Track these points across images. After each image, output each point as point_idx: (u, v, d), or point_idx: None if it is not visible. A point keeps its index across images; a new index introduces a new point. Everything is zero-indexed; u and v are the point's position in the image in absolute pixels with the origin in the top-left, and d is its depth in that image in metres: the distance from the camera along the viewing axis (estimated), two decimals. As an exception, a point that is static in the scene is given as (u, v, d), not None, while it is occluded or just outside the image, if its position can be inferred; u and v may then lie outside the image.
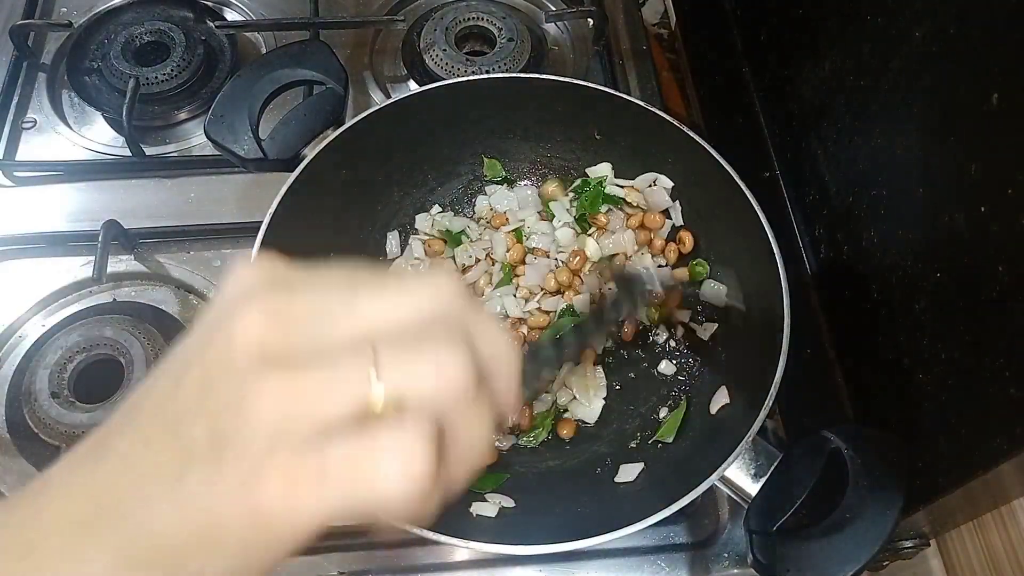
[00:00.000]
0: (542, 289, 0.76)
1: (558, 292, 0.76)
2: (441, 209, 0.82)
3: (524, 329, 0.75)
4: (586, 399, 0.73)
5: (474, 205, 0.82)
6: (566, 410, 0.73)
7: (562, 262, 0.78)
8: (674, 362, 0.75)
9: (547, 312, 0.75)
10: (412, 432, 0.28)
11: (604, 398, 0.73)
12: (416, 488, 0.27)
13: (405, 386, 0.28)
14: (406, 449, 0.27)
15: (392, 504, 0.28)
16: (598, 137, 0.80)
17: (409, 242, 0.80)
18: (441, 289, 0.31)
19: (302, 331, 0.29)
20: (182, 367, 0.30)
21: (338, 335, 0.29)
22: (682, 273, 0.77)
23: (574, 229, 0.79)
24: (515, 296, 0.76)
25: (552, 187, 0.81)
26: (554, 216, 0.79)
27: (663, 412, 0.72)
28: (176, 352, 0.31)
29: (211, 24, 0.96)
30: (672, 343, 0.76)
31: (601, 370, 0.74)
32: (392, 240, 0.80)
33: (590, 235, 0.79)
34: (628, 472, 0.68)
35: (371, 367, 0.28)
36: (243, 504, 0.27)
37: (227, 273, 0.31)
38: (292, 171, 0.69)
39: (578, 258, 0.76)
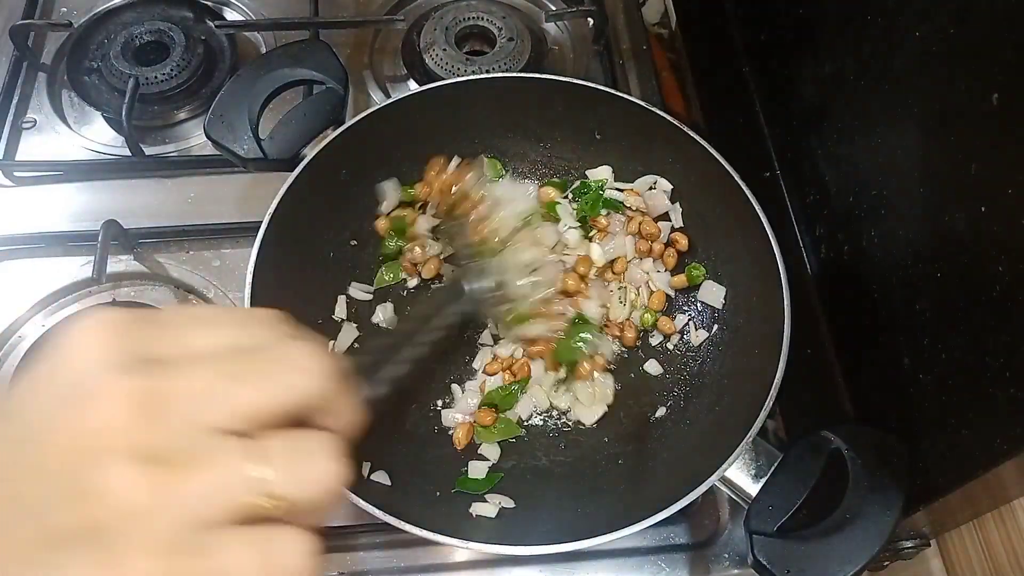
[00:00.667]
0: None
1: (566, 294, 0.76)
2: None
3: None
4: (589, 404, 0.73)
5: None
6: (567, 411, 0.73)
7: (570, 266, 0.77)
8: (666, 363, 0.75)
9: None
10: (299, 534, 0.29)
11: (608, 404, 0.73)
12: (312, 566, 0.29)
13: (291, 490, 0.29)
14: (299, 550, 0.29)
15: None
16: (598, 137, 0.80)
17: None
18: (313, 367, 0.32)
19: (171, 421, 0.28)
20: (32, 448, 0.28)
21: (209, 423, 0.29)
22: (680, 280, 0.76)
23: (581, 231, 0.78)
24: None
25: (551, 191, 0.81)
26: (559, 219, 0.79)
27: (660, 411, 0.72)
28: (16, 420, 0.29)
29: (211, 24, 0.96)
30: (669, 345, 0.76)
31: (611, 379, 0.74)
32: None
33: (592, 239, 0.79)
34: (627, 470, 0.68)
35: (251, 467, 0.28)
36: None
37: (69, 328, 0.30)
38: (292, 171, 0.69)
39: (582, 265, 0.76)
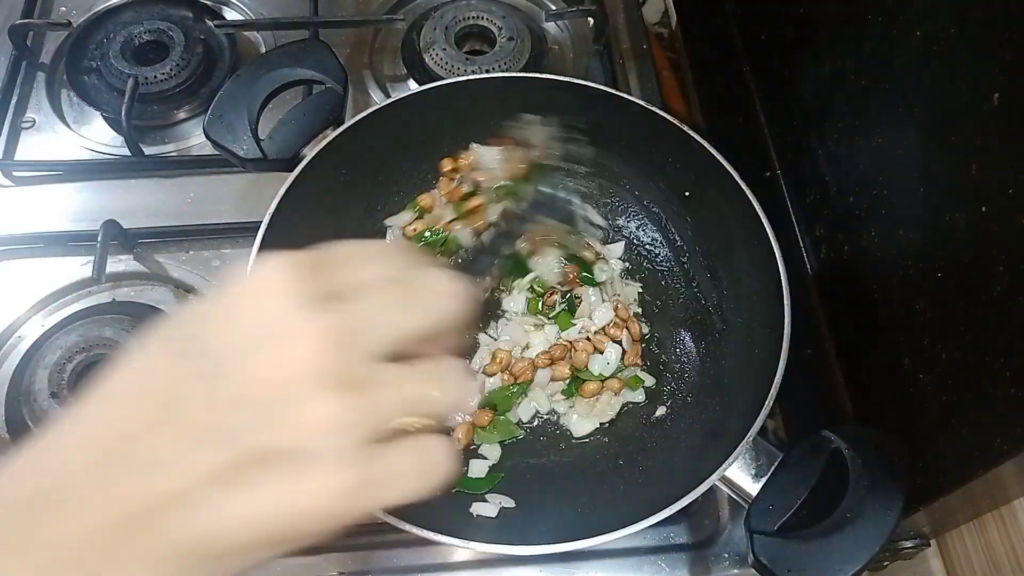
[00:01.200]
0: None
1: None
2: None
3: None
4: (584, 415, 0.72)
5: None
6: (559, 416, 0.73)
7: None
8: (665, 368, 0.75)
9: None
10: (443, 440, 0.35)
11: (602, 423, 0.72)
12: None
13: (446, 405, 0.35)
14: (445, 452, 0.35)
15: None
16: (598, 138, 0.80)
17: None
18: (453, 291, 0.36)
19: (354, 352, 0.32)
20: (228, 383, 0.30)
21: (382, 348, 0.33)
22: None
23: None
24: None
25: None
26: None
27: (660, 411, 0.72)
28: (205, 358, 0.31)
29: (210, 23, 0.96)
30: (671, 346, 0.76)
31: (619, 403, 0.73)
32: (392, 239, 0.80)
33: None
34: (628, 470, 0.68)
35: (418, 388, 0.34)
36: (314, 499, 0.30)
37: (251, 272, 0.33)
38: (292, 171, 0.69)
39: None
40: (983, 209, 0.50)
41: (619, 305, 0.76)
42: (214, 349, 0.31)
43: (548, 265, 0.76)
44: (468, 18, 0.96)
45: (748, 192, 0.69)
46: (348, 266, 0.35)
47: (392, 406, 0.33)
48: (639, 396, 0.73)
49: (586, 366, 0.73)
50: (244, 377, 0.30)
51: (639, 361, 0.75)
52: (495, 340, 0.75)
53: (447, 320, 0.35)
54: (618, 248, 0.80)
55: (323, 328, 0.31)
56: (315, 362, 0.30)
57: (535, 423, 0.73)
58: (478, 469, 0.69)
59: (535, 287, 0.77)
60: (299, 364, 0.30)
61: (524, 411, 0.72)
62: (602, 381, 0.73)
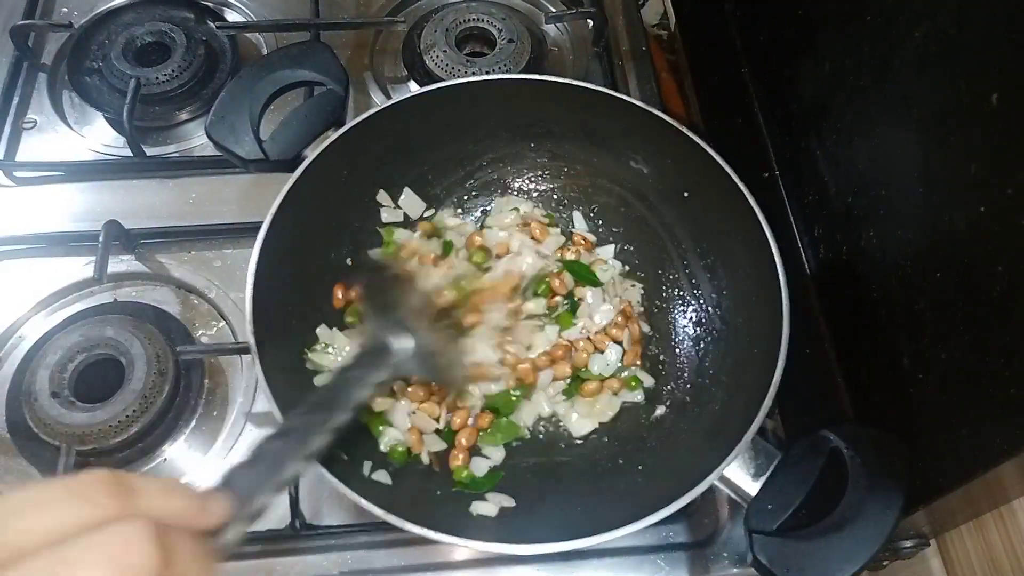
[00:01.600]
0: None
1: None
2: (434, 212, 0.82)
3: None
4: (585, 415, 0.72)
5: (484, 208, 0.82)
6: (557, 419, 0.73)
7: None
8: (664, 369, 0.75)
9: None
10: None
11: (602, 422, 0.72)
12: None
13: None
14: None
15: None
16: (598, 139, 0.80)
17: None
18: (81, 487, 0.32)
19: None
20: None
21: None
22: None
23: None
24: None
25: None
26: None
27: (660, 410, 0.72)
28: None
29: (212, 25, 0.96)
30: (663, 357, 0.76)
31: (619, 403, 0.73)
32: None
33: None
34: (627, 469, 0.68)
35: None
36: None
37: None
38: (293, 172, 0.69)
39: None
40: (983, 209, 0.50)
41: (625, 306, 0.76)
42: None
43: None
44: (468, 20, 0.96)
45: (747, 193, 0.69)
46: (8, 516, 0.31)
47: None
48: (638, 396, 0.73)
49: (586, 366, 0.74)
50: None
51: (639, 361, 0.75)
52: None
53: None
54: (608, 250, 0.80)
55: None
56: None
57: (536, 424, 0.73)
58: (479, 468, 0.69)
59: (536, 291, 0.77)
60: None
61: (527, 415, 0.72)
62: (602, 381, 0.73)
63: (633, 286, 0.79)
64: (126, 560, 0.31)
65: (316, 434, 0.52)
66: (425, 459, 0.69)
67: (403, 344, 0.62)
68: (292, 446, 0.50)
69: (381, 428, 0.69)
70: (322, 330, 0.71)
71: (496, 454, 0.70)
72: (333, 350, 0.71)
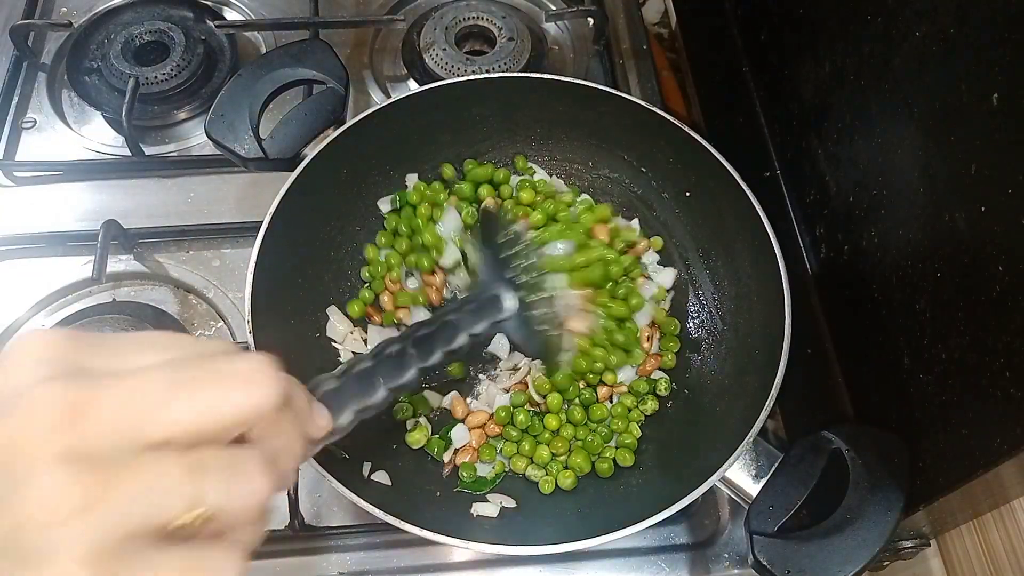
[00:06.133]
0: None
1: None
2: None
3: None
4: (555, 473, 0.69)
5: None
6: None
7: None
8: (661, 367, 0.75)
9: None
10: (229, 555, 0.29)
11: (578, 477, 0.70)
12: None
13: (222, 507, 0.28)
14: (228, 572, 0.28)
15: None
16: (599, 139, 0.80)
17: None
18: (257, 382, 0.30)
19: (100, 426, 0.26)
20: None
21: (142, 432, 0.27)
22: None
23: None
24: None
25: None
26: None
27: (661, 411, 0.72)
28: None
29: (211, 24, 0.96)
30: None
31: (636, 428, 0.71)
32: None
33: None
34: (628, 470, 0.68)
35: (184, 480, 0.27)
36: None
37: (17, 338, 0.30)
38: (293, 171, 0.69)
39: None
40: (983, 209, 0.50)
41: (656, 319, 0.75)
42: None
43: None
44: (468, 18, 0.96)
45: (748, 192, 0.69)
46: (123, 346, 0.30)
47: (153, 499, 0.26)
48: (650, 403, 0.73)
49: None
50: None
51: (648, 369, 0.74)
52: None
53: (239, 413, 0.29)
54: (668, 277, 0.78)
55: (57, 395, 0.26)
56: (44, 432, 0.26)
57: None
58: (483, 468, 0.69)
59: None
60: (25, 434, 0.26)
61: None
62: (612, 386, 0.73)
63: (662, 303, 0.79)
64: (255, 387, 0.30)
65: (408, 367, 0.50)
66: (447, 458, 0.69)
67: (510, 303, 0.59)
68: (383, 374, 0.48)
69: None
70: (332, 309, 0.74)
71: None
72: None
